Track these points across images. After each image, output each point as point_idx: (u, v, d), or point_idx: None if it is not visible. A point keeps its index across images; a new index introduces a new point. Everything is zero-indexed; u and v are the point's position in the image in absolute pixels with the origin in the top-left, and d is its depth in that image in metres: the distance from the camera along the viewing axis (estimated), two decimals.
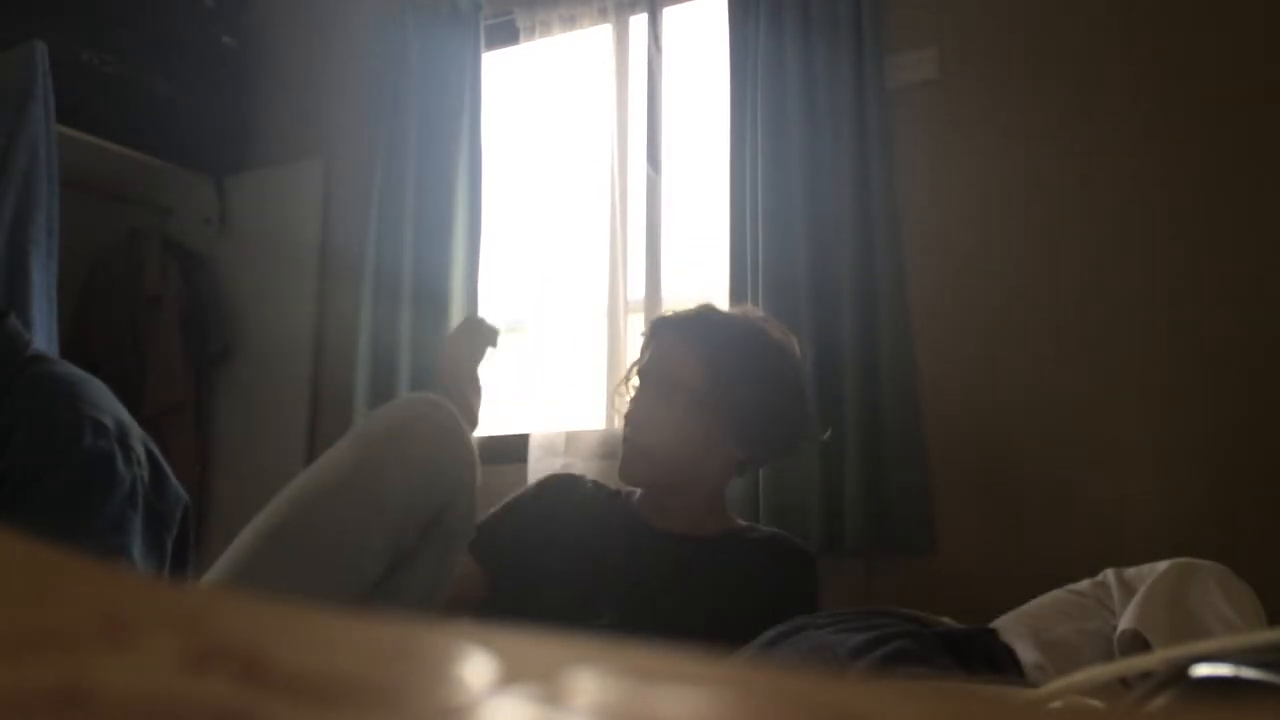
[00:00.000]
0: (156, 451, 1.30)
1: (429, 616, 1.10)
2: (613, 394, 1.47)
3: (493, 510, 1.43)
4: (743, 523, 1.49)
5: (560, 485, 1.46)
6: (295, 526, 0.99)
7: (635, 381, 1.43)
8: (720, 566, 1.36)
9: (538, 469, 2.10)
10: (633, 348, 2.23)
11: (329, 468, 1.04)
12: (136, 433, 1.27)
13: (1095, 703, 0.40)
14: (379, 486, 1.01)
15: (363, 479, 1.01)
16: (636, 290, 2.26)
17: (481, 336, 1.40)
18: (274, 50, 2.84)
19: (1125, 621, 1.02)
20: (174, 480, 1.32)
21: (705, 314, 1.41)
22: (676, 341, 1.36)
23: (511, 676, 0.16)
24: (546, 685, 0.15)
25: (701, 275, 2.25)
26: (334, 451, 1.06)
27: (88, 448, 1.17)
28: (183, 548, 1.35)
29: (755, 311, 1.50)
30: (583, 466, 2.04)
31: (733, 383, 1.32)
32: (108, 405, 1.26)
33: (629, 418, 1.38)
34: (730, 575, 1.36)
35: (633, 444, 1.36)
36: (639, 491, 1.46)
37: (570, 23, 2.40)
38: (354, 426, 1.08)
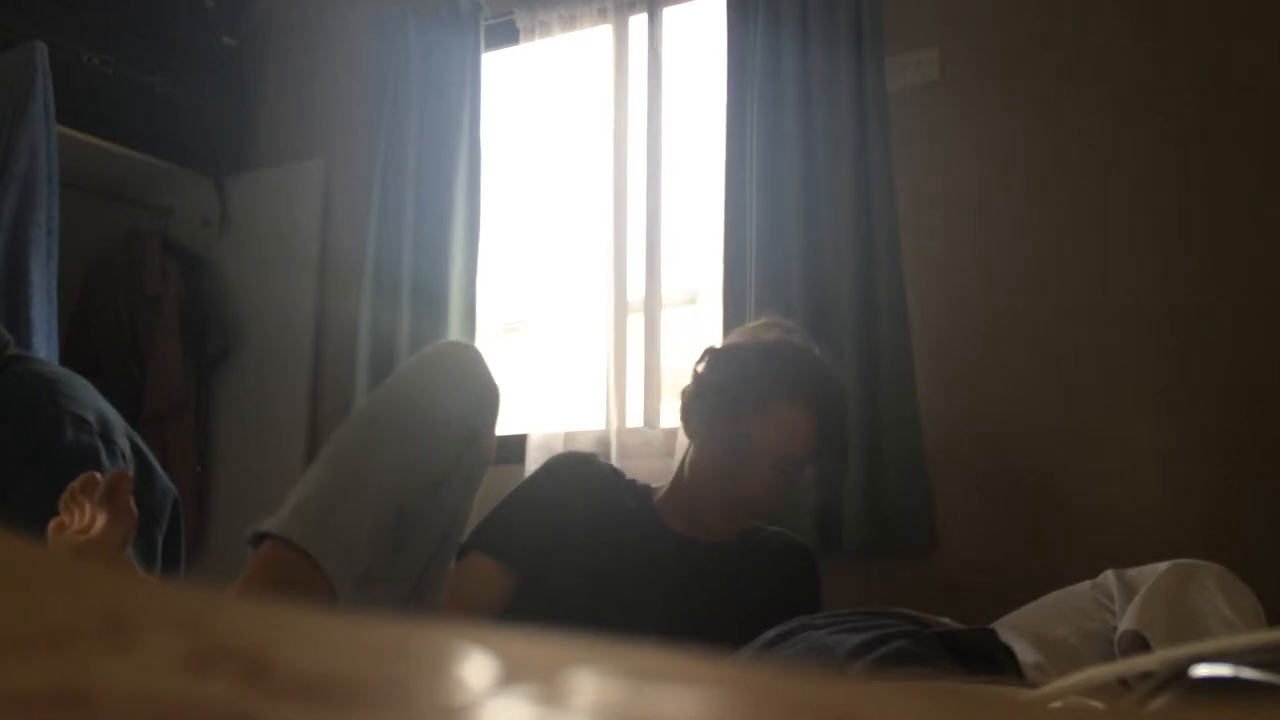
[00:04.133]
0: (143, 446, 1.30)
1: (448, 547, 1.14)
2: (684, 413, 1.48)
3: (502, 502, 1.37)
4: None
5: (574, 464, 1.42)
6: (382, 413, 1.08)
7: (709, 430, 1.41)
8: (738, 571, 1.38)
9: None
10: (633, 348, 2.23)
11: (387, 386, 1.13)
12: (121, 427, 1.27)
13: (1095, 703, 0.40)
14: (433, 399, 1.10)
15: (421, 392, 1.10)
16: (637, 290, 2.26)
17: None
18: (274, 50, 2.84)
19: (1126, 622, 1.02)
20: (162, 474, 1.32)
21: (811, 372, 1.40)
22: (798, 416, 1.36)
23: (511, 676, 0.16)
24: (546, 685, 0.15)
25: (700, 275, 2.25)
26: (385, 381, 1.15)
27: (69, 443, 1.18)
28: (174, 543, 1.35)
29: (807, 338, 1.48)
30: None
31: (836, 449, 1.45)
32: (90, 401, 1.26)
33: (764, 492, 1.35)
34: (745, 578, 1.37)
35: (758, 513, 1.42)
36: (659, 490, 1.44)
37: (570, 23, 2.40)
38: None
